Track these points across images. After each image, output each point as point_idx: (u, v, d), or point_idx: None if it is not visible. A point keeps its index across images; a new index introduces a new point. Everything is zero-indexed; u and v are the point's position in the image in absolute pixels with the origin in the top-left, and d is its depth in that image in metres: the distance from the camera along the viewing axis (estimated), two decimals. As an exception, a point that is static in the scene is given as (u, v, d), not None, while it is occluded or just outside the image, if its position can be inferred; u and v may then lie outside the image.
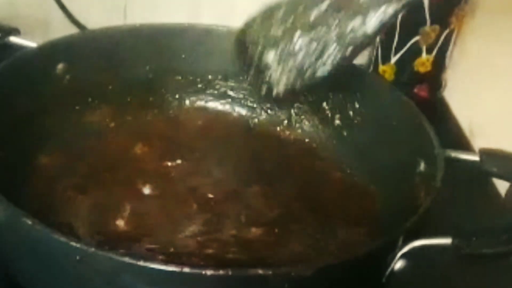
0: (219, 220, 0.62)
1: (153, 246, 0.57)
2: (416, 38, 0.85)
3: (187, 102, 0.77)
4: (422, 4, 0.82)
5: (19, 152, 0.62)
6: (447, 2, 0.83)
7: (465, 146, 0.80)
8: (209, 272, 0.43)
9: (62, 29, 0.82)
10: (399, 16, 0.83)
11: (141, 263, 0.43)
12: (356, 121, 0.71)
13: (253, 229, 0.62)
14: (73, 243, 0.44)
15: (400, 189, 0.62)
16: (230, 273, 0.44)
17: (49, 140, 0.67)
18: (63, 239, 0.44)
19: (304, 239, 0.61)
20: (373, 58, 0.90)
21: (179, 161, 0.69)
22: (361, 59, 0.93)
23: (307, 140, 0.74)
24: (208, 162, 0.70)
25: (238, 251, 0.59)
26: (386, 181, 0.65)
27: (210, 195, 0.65)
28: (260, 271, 0.44)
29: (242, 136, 0.75)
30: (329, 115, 0.73)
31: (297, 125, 0.75)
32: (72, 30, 0.86)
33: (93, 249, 0.44)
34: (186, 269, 0.43)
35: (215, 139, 0.74)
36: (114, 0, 0.89)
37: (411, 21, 0.84)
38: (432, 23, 0.83)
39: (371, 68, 0.90)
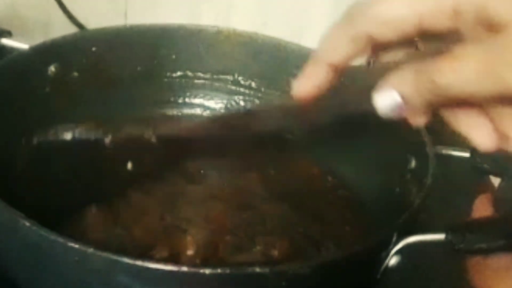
0: (212, 217, 0.62)
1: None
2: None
3: (179, 101, 0.77)
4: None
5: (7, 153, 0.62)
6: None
7: (463, 143, 0.81)
8: (207, 271, 0.44)
9: (63, 30, 0.82)
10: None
11: (139, 263, 0.43)
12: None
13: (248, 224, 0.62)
14: (71, 244, 0.44)
15: (392, 186, 0.63)
16: (228, 271, 0.44)
17: (40, 143, 0.66)
18: (61, 239, 0.44)
19: (300, 237, 0.62)
20: (371, 60, 0.90)
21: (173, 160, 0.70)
22: (359, 60, 0.93)
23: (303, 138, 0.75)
24: (201, 161, 0.70)
25: (232, 250, 0.59)
26: (378, 178, 0.66)
27: (205, 192, 0.66)
28: (258, 269, 0.44)
29: (234, 135, 0.75)
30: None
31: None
32: (73, 31, 0.86)
33: (91, 250, 0.44)
34: (184, 269, 0.43)
35: (207, 137, 0.74)
36: (115, 1, 0.89)
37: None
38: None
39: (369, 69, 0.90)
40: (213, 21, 0.75)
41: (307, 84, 0.44)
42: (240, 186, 0.68)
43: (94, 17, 0.86)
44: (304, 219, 0.64)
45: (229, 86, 0.76)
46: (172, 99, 0.77)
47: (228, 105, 0.77)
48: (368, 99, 0.42)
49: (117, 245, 0.56)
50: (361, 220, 0.65)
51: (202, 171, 0.69)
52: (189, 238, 0.58)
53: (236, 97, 0.77)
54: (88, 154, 0.62)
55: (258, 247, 0.58)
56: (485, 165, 0.58)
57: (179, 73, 0.76)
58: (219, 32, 0.75)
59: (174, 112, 0.77)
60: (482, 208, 0.51)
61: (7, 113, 0.63)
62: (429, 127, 0.60)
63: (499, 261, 0.47)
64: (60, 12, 0.80)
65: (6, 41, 0.68)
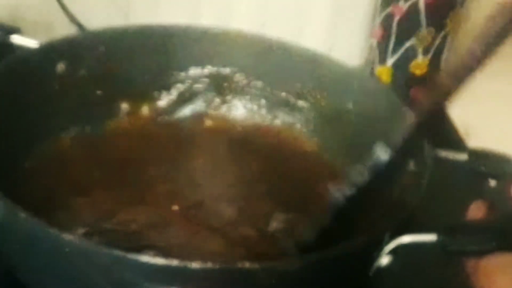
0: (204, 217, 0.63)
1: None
2: (412, 40, 0.86)
3: (185, 100, 0.78)
4: (418, 7, 0.83)
5: (16, 150, 0.63)
6: (442, 5, 0.84)
7: (460, 146, 0.81)
8: (196, 266, 0.44)
9: (64, 31, 0.83)
10: (396, 19, 0.85)
11: (130, 256, 0.44)
12: (349, 122, 0.72)
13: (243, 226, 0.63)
14: (63, 235, 0.45)
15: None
16: (217, 266, 0.45)
17: (47, 140, 0.68)
18: (53, 231, 0.45)
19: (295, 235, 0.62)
20: (369, 61, 0.90)
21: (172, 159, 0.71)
22: (358, 61, 0.94)
23: (302, 140, 0.75)
24: (196, 161, 0.72)
25: (225, 247, 0.60)
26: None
27: (198, 193, 0.67)
28: (248, 265, 0.44)
29: (235, 137, 0.76)
30: (323, 115, 0.74)
31: (291, 125, 0.76)
32: (74, 32, 0.87)
33: (82, 241, 0.45)
34: (174, 262, 0.44)
35: (206, 138, 0.75)
36: (116, 2, 0.90)
37: (407, 23, 0.85)
38: (428, 25, 0.84)
39: (368, 70, 0.91)
40: (213, 21, 0.76)
41: None
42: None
43: (96, 18, 0.86)
44: (302, 214, 0.64)
45: (234, 86, 0.77)
46: (178, 99, 0.77)
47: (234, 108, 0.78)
48: None
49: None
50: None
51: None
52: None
53: (242, 97, 0.78)
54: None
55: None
56: (482, 168, 0.58)
57: (185, 73, 0.77)
58: (225, 33, 0.76)
59: (180, 111, 0.77)
60: (477, 213, 0.51)
61: (15, 109, 0.64)
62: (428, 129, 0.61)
63: (495, 260, 0.47)
64: (61, 14, 0.81)
65: (15, 38, 0.69)
